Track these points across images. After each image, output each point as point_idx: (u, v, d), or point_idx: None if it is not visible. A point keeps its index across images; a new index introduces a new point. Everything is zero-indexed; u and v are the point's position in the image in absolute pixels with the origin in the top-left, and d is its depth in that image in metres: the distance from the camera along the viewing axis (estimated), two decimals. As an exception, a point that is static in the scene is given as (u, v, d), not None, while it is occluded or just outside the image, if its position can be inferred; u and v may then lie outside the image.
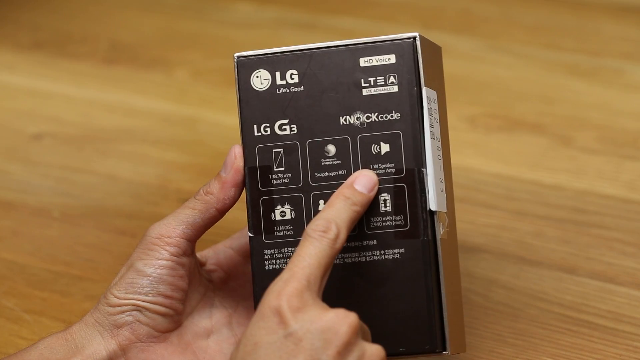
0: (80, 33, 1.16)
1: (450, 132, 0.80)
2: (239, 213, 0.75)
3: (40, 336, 0.83)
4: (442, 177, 0.71)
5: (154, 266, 0.70)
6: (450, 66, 1.01)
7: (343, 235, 0.65)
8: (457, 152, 0.91)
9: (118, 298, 0.70)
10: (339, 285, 0.69)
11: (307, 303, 0.62)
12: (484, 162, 0.96)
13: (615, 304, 0.82)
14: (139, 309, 0.70)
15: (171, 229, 0.71)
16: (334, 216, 0.66)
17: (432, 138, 0.70)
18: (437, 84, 0.73)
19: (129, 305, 0.70)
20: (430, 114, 0.70)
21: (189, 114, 1.05)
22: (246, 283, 0.75)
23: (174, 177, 0.97)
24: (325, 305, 0.62)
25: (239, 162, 0.71)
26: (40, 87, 1.09)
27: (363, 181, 0.68)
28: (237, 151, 0.71)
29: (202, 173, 0.97)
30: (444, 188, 0.71)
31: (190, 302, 0.72)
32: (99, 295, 0.86)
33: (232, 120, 1.02)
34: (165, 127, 1.03)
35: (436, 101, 0.71)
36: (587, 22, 1.10)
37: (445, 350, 0.69)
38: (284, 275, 0.63)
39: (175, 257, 0.70)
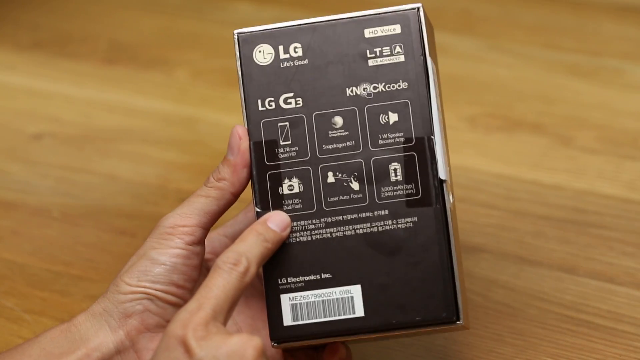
0: (80, 33, 1.16)
1: (450, 132, 0.80)
2: (238, 205, 0.75)
3: (40, 336, 0.83)
4: (445, 150, 0.71)
5: (169, 255, 0.69)
6: (450, 66, 1.01)
7: (253, 269, 0.65)
8: (457, 152, 0.91)
9: (130, 285, 0.69)
10: (351, 257, 0.69)
11: (211, 332, 0.62)
12: (484, 162, 0.96)
13: (615, 304, 0.82)
14: (150, 297, 0.69)
15: (186, 219, 0.70)
16: (245, 250, 0.66)
17: (438, 109, 0.70)
18: (435, 60, 0.73)
19: (141, 293, 0.69)
20: (434, 85, 0.70)
21: (189, 114, 1.05)
22: None
23: (174, 177, 0.97)
24: (229, 332, 0.62)
25: (245, 142, 0.70)
26: (40, 87, 1.09)
27: (276, 220, 0.69)
28: (241, 131, 0.70)
29: (202, 173, 0.97)
30: (447, 161, 0.71)
31: (192, 293, 0.72)
32: (99, 295, 0.85)
33: (232, 120, 1.02)
34: (165, 127, 1.03)
35: (436, 75, 0.72)
36: (587, 22, 1.10)
37: (459, 320, 0.68)
38: (190, 306, 0.63)
39: (190, 246, 0.69)
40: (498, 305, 0.83)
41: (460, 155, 0.95)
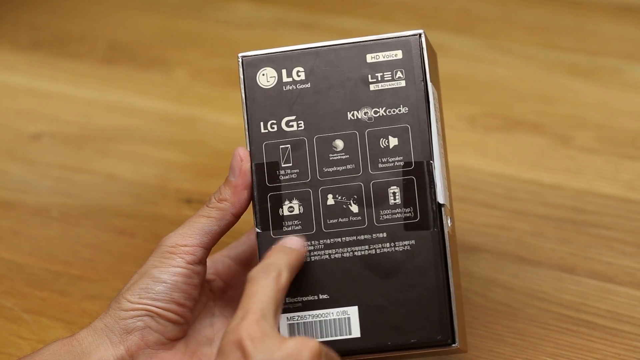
0: (80, 33, 1.16)
1: (449, 132, 0.80)
2: (247, 215, 0.75)
3: (40, 336, 0.83)
4: (445, 174, 0.72)
5: (170, 273, 0.70)
6: (449, 66, 1.01)
7: (285, 274, 0.66)
8: (456, 152, 0.91)
9: (131, 302, 0.70)
10: (348, 278, 0.70)
11: (266, 332, 0.62)
12: (483, 162, 0.96)
13: (614, 303, 0.82)
14: (151, 314, 0.70)
15: (187, 239, 0.70)
16: (272, 261, 0.66)
17: (438, 134, 0.70)
18: (437, 85, 0.73)
19: (142, 310, 0.70)
20: (435, 110, 0.70)
21: (189, 113, 1.05)
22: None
23: (174, 177, 0.98)
24: (284, 336, 0.63)
25: (246, 164, 0.71)
26: (40, 87, 1.09)
27: (291, 241, 0.69)
28: (242, 153, 0.71)
29: (201, 173, 0.97)
30: (447, 185, 0.72)
31: (194, 312, 0.72)
32: (98, 295, 0.86)
33: (231, 120, 1.02)
34: (164, 127, 1.03)
35: (438, 100, 0.72)
36: (586, 21, 1.10)
37: (454, 343, 0.69)
38: (237, 315, 0.63)
39: (191, 265, 0.70)
40: (497, 305, 0.83)
41: (460, 155, 0.95)
